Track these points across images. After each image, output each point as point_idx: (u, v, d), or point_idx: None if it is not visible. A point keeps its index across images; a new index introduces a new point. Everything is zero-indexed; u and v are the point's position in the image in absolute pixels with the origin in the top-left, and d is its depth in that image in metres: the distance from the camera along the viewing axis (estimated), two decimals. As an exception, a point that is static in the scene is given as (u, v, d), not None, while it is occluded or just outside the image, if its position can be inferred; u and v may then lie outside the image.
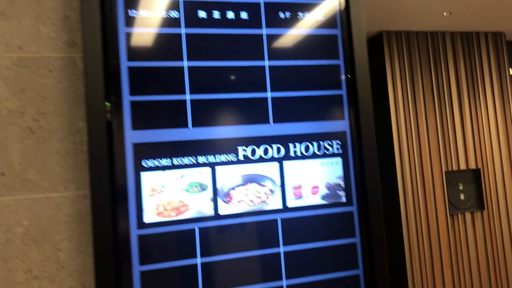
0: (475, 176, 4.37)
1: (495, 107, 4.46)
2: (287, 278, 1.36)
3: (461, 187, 4.33)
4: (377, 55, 4.23)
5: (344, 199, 1.43)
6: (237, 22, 1.40)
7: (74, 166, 1.31)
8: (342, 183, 1.44)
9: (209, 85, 1.35)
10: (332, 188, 1.43)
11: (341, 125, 1.46)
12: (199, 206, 1.30)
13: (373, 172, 1.43)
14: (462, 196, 4.32)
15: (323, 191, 1.42)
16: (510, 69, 4.75)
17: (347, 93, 1.47)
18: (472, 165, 4.35)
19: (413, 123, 4.20)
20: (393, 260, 4.23)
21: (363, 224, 1.43)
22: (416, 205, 4.13)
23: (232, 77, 1.38)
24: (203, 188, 1.31)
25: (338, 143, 1.45)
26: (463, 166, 4.32)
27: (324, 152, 1.43)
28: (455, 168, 4.29)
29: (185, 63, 1.34)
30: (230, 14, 1.40)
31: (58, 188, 1.30)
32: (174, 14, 1.35)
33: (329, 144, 1.44)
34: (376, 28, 4.14)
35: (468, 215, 4.30)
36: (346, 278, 1.41)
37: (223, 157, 1.34)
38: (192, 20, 1.36)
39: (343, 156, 1.45)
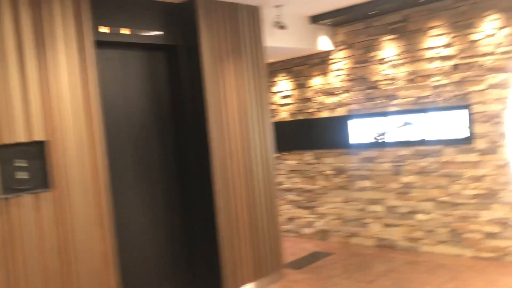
0: (40, 150, 3.63)
1: (72, 69, 3.79)
2: None
3: (20, 164, 3.54)
4: None
5: None
6: None
7: None
8: None
9: None
10: None
11: None
12: None
13: None
14: (21, 175, 3.53)
15: None
16: (100, 26, 4.17)
17: None
18: (37, 137, 3.60)
19: None
20: None
21: None
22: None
23: None
24: None
25: None
26: (23, 138, 3.53)
27: None
28: (11, 140, 3.46)
29: None
30: None
31: None
32: None
33: None
34: None
35: (29, 198, 3.54)
36: None
37: None
38: None
39: None
